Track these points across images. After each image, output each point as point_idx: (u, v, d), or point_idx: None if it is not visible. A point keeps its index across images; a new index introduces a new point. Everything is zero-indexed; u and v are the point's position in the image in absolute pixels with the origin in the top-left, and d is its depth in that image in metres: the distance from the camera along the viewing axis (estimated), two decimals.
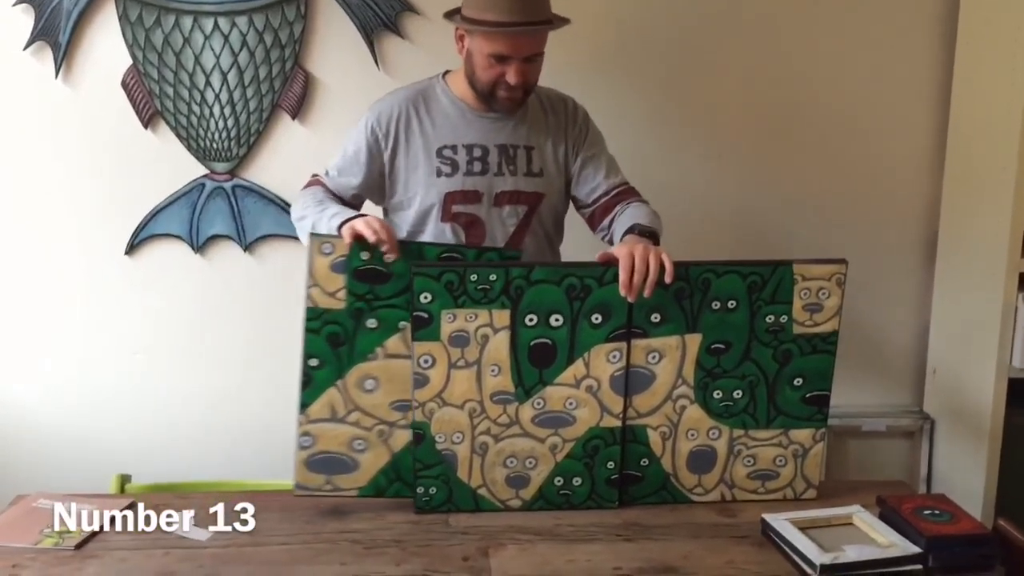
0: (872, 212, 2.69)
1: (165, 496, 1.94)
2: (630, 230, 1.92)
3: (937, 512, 1.73)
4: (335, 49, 2.51)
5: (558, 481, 1.85)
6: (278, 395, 2.65)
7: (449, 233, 2.06)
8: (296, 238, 2.54)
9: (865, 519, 1.76)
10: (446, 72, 2.14)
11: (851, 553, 1.63)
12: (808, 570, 1.62)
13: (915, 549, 1.63)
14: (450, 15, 2.04)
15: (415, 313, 1.74)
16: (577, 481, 1.85)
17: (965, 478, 2.50)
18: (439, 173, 2.06)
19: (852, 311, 2.72)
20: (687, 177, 2.63)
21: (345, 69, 2.52)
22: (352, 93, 2.52)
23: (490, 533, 1.77)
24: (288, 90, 2.50)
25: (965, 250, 2.54)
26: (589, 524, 1.82)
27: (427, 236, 2.07)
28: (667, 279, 1.74)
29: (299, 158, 2.54)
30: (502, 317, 1.76)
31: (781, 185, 2.66)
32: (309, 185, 2.12)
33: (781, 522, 1.74)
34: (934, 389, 2.70)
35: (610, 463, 1.85)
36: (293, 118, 2.52)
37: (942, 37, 2.58)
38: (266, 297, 2.62)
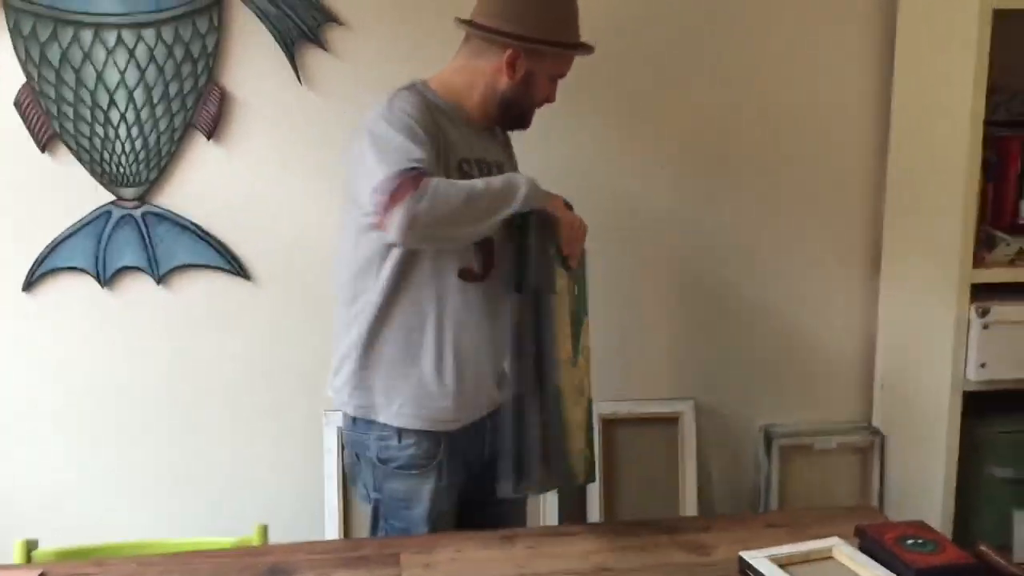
0: (812, 222, 2.63)
1: (78, 564, 1.73)
2: None
3: (920, 541, 1.64)
4: (252, 63, 2.33)
5: None
6: (199, 440, 2.47)
7: (472, 253, 1.82)
8: (215, 267, 2.38)
9: (846, 552, 1.67)
10: (421, 81, 1.87)
11: None
12: None
13: None
14: (503, 34, 1.79)
15: None
16: None
17: (921, 494, 2.45)
18: None
19: (795, 324, 2.68)
20: (624, 187, 2.51)
21: (264, 84, 2.34)
22: (272, 110, 2.35)
23: None
24: (202, 108, 2.31)
25: (910, 261, 2.49)
26: (555, 572, 1.68)
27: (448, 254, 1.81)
28: None
29: (216, 181, 2.36)
30: None
31: (717, 194, 2.57)
32: (415, 185, 1.61)
33: (760, 560, 1.63)
34: (883, 404, 2.65)
35: None
36: (208, 138, 2.33)
37: (881, 40, 2.53)
38: (183, 333, 2.42)
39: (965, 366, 2.30)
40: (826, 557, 1.68)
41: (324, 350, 2.43)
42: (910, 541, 1.64)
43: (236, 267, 2.40)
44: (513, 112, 1.87)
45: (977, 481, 2.40)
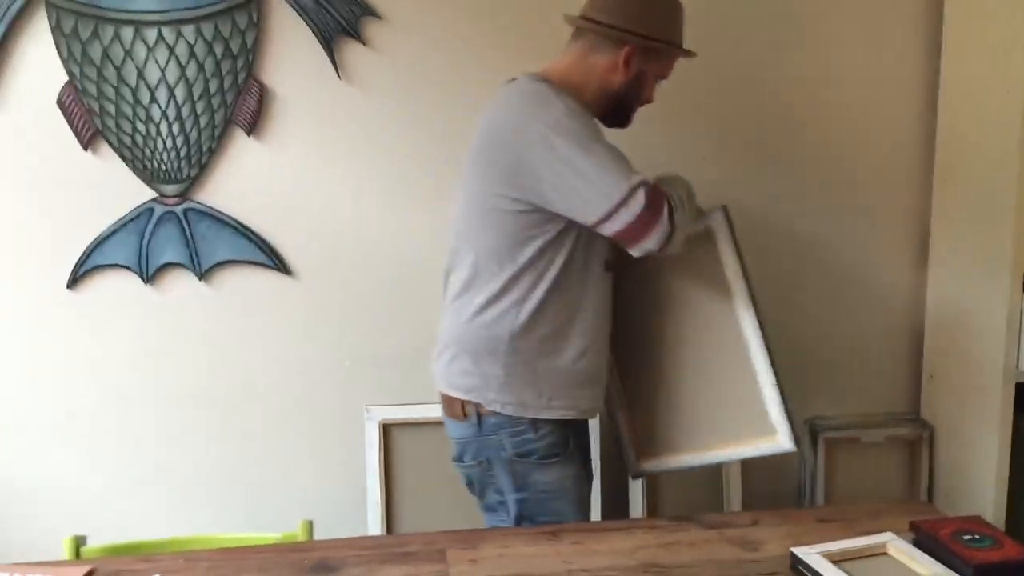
0: (861, 214, 2.58)
1: (127, 560, 1.74)
2: None
3: (977, 537, 1.60)
4: (291, 58, 2.32)
5: None
6: (241, 436, 2.48)
7: (608, 245, 1.89)
8: (257, 263, 2.38)
9: (901, 547, 1.63)
10: (542, 78, 1.85)
11: None
12: None
13: None
14: (617, 30, 1.84)
15: None
16: None
17: (971, 487, 2.40)
18: None
19: (841, 315, 2.63)
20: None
21: (303, 79, 2.33)
22: (311, 105, 2.34)
23: None
24: (242, 104, 2.31)
25: (959, 249, 2.44)
26: (603, 568, 1.66)
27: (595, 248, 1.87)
28: None
29: (256, 177, 2.36)
30: None
31: (767, 188, 2.53)
32: (663, 196, 1.74)
33: (813, 556, 1.60)
34: (931, 395, 2.60)
35: None
36: (248, 134, 2.33)
37: (927, 33, 2.49)
38: (225, 329, 2.42)
39: (1018, 356, 2.25)
40: (880, 553, 1.64)
41: (366, 344, 2.47)
42: (967, 537, 1.61)
43: (277, 262, 2.40)
44: (622, 109, 1.91)
45: None
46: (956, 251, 2.46)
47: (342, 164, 2.39)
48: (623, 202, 1.70)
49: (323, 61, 2.32)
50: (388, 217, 2.42)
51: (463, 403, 1.91)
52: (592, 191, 1.71)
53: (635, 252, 1.78)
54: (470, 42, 2.36)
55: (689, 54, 1.92)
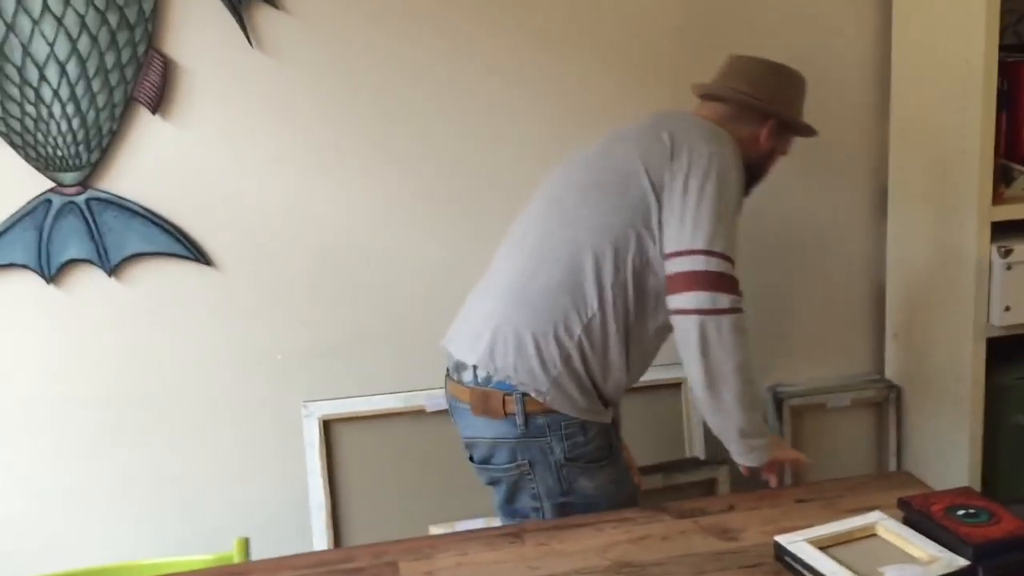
0: (815, 172, 2.45)
1: None
2: None
3: (972, 511, 1.49)
4: (196, 26, 2.10)
5: None
6: (166, 445, 2.27)
7: None
8: (173, 255, 2.18)
9: (890, 528, 1.51)
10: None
11: None
12: None
13: (962, 561, 1.39)
14: (765, 105, 1.89)
15: None
16: None
17: (943, 448, 2.31)
18: None
19: (798, 276, 2.51)
20: None
21: (211, 49, 2.12)
22: (222, 78, 2.14)
23: None
24: (143, 79, 2.09)
25: (919, 201, 2.33)
26: (572, 571, 1.51)
27: None
28: None
29: (165, 159, 2.16)
30: None
31: None
32: (736, 290, 1.72)
33: (799, 545, 1.47)
34: (896, 355, 2.50)
35: None
36: (153, 112, 2.11)
37: None
38: (142, 328, 2.22)
39: (988, 311, 2.15)
40: (869, 535, 1.52)
41: (299, 335, 2.29)
42: (961, 512, 1.49)
43: (195, 253, 2.19)
44: (752, 178, 1.89)
45: (1001, 431, 2.26)
46: (915, 206, 2.35)
47: (260, 141, 2.18)
48: (705, 252, 1.67)
49: (232, 28, 2.11)
50: (315, 196, 2.23)
51: (505, 398, 1.74)
52: (694, 224, 1.69)
53: (674, 303, 1.70)
54: (400, 7, 2.17)
55: (814, 134, 1.96)
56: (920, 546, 1.45)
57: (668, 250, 1.71)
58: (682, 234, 1.69)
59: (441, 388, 2.30)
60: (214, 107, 2.14)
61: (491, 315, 1.78)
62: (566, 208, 1.79)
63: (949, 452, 2.29)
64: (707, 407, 1.74)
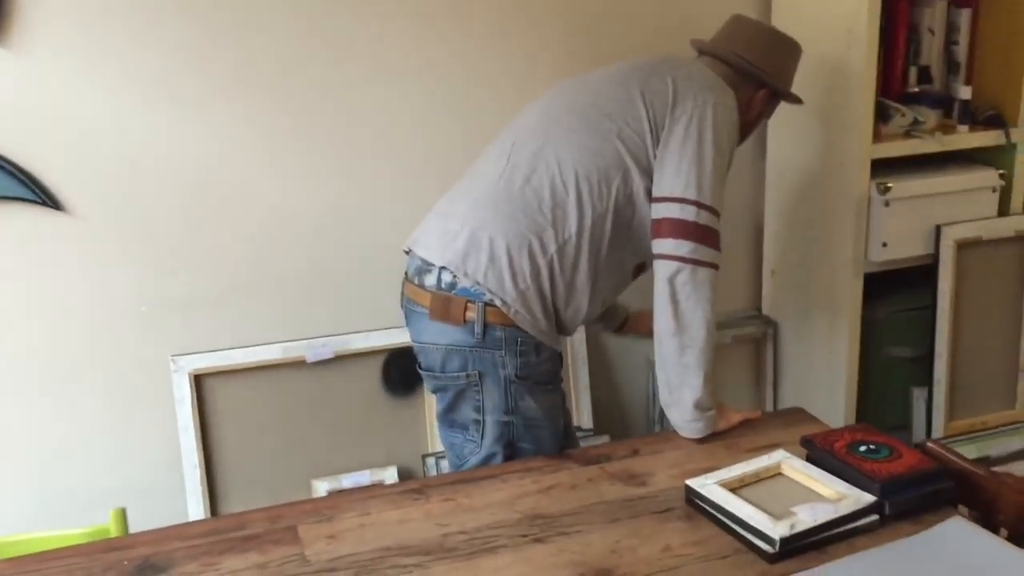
0: None
1: None
2: None
3: (873, 447, 1.52)
4: None
5: None
6: (23, 410, 2.08)
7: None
8: (17, 198, 1.97)
9: (796, 466, 1.53)
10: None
11: (805, 516, 1.38)
12: (763, 545, 1.35)
13: (869, 498, 1.41)
14: (763, 73, 1.88)
15: None
16: None
17: (820, 383, 2.37)
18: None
19: None
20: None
21: None
22: None
23: (364, 564, 1.37)
24: None
25: (797, 141, 2.35)
26: (483, 527, 1.46)
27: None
28: None
29: (4, 93, 1.92)
30: None
31: None
32: (718, 244, 1.72)
33: (711, 488, 1.47)
34: (774, 291, 2.54)
35: None
36: None
37: None
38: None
39: (867, 247, 2.20)
40: (775, 474, 1.53)
41: (165, 285, 2.12)
42: (863, 448, 1.52)
43: (43, 196, 1.98)
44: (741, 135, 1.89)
45: (874, 363, 2.34)
46: (793, 144, 2.37)
47: (117, 69, 1.97)
48: (696, 203, 1.68)
49: None
50: (183, 131, 2.04)
51: (467, 304, 1.68)
52: (689, 173, 1.68)
53: (659, 247, 1.70)
54: None
55: (801, 103, 1.98)
56: (827, 484, 1.46)
57: (660, 193, 1.70)
58: (677, 180, 1.68)
59: (322, 337, 2.23)
60: (61, 30, 1.92)
61: (467, 218, 1.72)
62: (561, 126, 1.75)
63: (826, 386, 2.35)
64: (669, 360, 1.71)
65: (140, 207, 2.06)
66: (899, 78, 2.29)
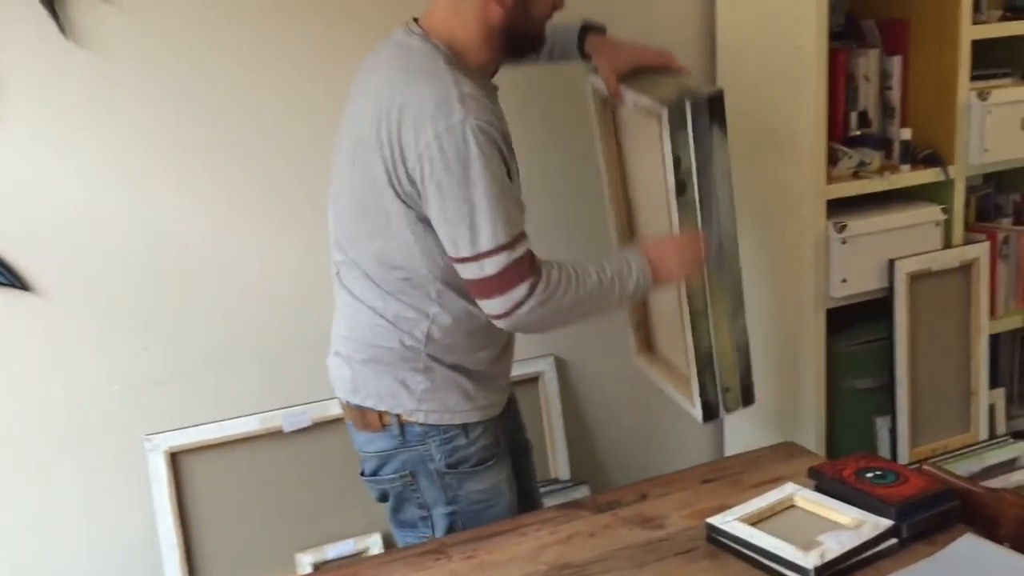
0: None
1: None
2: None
3: (879, 472, 1.57)
4: (2, 19, 1.83)
5: None
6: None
7: None
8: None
9: (808, 497, 1.56)
10: (430, 42, 1.60)
11: (832, 545, 1.41)
12: None
13: (887, 522, 1.46)
14: None
15: None
16: None
17: (787, 415, 2.43)
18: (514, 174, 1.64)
19: None
20: None
21: (18, 43, 1.86)
22: (34, 75, 1.90)
23: None
24: None
25: (751, 185, 2.41)
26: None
27: None
28: None
29: None
30: None
31: None
32: (533, 271, 1.54)
33: (732, 524, 1.49)
34: None
35: None
36: None
37: None
38: None
39: (827, 284, 2.29)
40: (789, 506, 1.57)
41: (137, 361, 2.07)
42: (870, 474, 1.57)
43: (10, 277, 1.92)
44: (522, 41, 1.64)
45: (837, 395, 2.41)
46: (746, 188, 2.42)
47: (80, 148, 1.95)
48: (482, 255, 1.52)
49: (43, 18, 1.85)
50: (150, 205, 2.02)
51: (380, 413, 1.66)
52: (461, 228, 1.52)
53: (483, 309, 1.58)
54: None
55: None
56: (843, 512, 1.50)
57: (450, 255, 1.56)
58: (455, 241, 1.53)
59: (298, 405, 2.19)
60: (25, 110, 1.89)
61: (339, 345, 1.72)
62: (347, 229, 1.67)
63: (793, 418, 2.42)
64: (600, 309, 1.65)
65: (110, 284, 2.02)
66: (841, 123, 2.41)
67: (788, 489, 1.59)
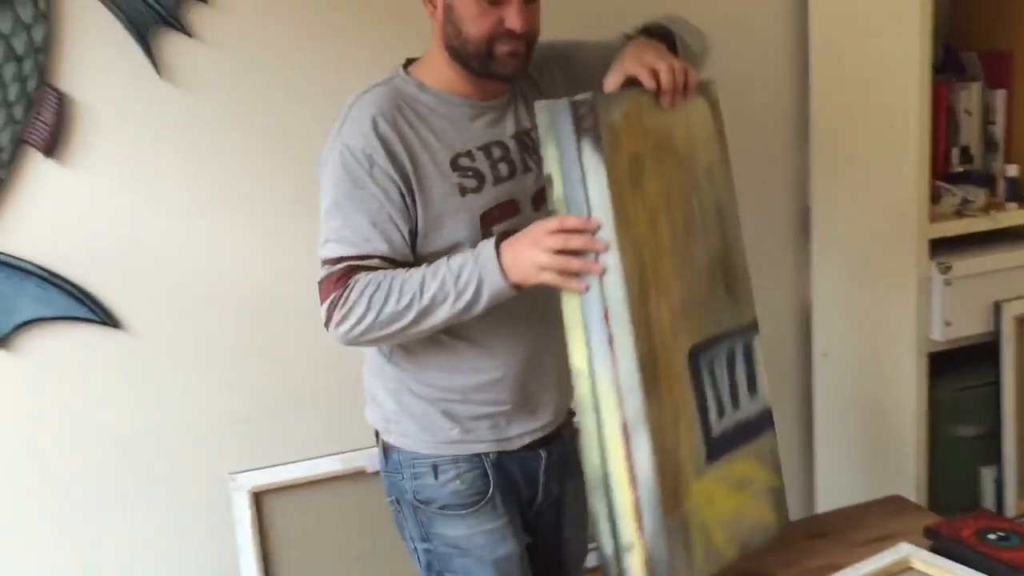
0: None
1: None
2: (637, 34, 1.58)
3: (1002, 534, 1.48)
4: (96, 57, 1.85)
5: None
6: (77, 533, 1.98)
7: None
8: (75, 318, 1.90)
9: (925, 559, 1.48)
10: (405, 66, 1.57)
11: None
12: None
13: None
14: None
15: None
16: None
17: (887, 464, 2.33)
18: (463, 191, 1.50)
19: None
20: None
21: (113, 82, 1.87)
22: (127, 114, 1.89)
23: None
24: (35, 118, 1.81)
25: (845, 222, 2.36)
26: None
27: None
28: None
29: (62, 210, 1.89)
30: None
31: None
32: (338, 285, 1.45)
33: None
34: (825, 374, 2.51)
35: None
36: (48, 155, 1.84)
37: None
38: (42, 403, 1.92)
39: (930, 326, 2.19)
40: (906, 568, 1.48)
41: (223, 400, 2.05)
42: (991, 536, 1.48)
43: (101, 315, 1.92)
44: (472, 55, 1.47)
45: (940, 443, 2.31)
46: (841, 225, 2.38)
47: (171, 184, 1.94)
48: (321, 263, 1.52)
49: (138, 57, 1.86)
50: (235, 243, 2.01)
51: (376, 428, 1.67)
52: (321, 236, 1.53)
53: None
54: (310, 27, 1.99)
55: None
56: None
57: None
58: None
59: None
60: (117, 147, 1.89)
61: None
62: None
63: (893, 467, 2.31)
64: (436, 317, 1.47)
65: (196, 322, 2.00)
66: (942, 159, 2.32)
67: (903, 550, 1.51)
